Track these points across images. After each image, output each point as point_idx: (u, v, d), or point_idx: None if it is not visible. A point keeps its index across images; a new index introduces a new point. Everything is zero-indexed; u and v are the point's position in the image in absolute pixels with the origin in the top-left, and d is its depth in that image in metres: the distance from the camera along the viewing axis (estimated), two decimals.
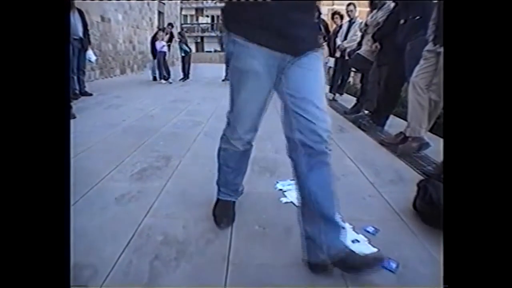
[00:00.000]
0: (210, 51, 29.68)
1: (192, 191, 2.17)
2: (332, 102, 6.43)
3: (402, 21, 3.69)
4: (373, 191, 2.25)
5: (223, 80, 9.88)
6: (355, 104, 5.30)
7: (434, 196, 1.82)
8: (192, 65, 10.28)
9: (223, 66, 10.36)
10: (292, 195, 2.11)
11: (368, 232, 1.77)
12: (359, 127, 4.24)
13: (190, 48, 10.40)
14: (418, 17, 3.46)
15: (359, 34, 5.67)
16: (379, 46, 4.34)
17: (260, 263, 1.49)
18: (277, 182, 2.31)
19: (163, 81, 9.25)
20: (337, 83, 6.82)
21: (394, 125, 4.14)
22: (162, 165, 2.60)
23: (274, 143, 3.29)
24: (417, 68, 3.10)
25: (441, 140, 3.23)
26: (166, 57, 9.46)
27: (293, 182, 2.29)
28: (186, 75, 10.15)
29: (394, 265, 1.51)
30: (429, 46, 2.99)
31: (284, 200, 2.06)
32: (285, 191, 2.17)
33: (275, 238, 1.68)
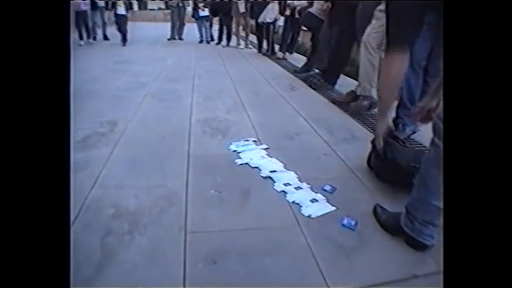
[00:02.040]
0: (154, 9, 28.02)
1: (141, 156, 2.03)
2: (282, 61, 6.35)
3: None
4: (328, 150, 2.24)
5: (168, 39, 9.46)
6: (306, 63, 5.25)
7: (388, 153, 1.82)
8: (135, 24, 9.52)
9: (168, 24, 9.88)
10: (247, 156, 2.05)
11: (325, 191, 1.76)
12: (310, 86, 4.21)
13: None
14: None
15: None
16: (330, 5, 4.25)
17: (218, 229, 1.43)
18: (231, 144, 2.22)
19: (81, 42, 8.16)
20: (286, 42, 6.71)
21: (344, 84, 4.15)
22: (107, 131, 2.41)
23: (224, 103, 3.20)
24: (368, 28, 3.07)
25: None
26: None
27: (246, 142, 2.24)
28: (124, 38, 8.54)
29: (353, 223, 1.52)
30: (382, 6, 2.94)
31: (239, 161, 1.99)
32: (239, 152, 2.10)
33: (232, 202, 1.62)
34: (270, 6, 6.69)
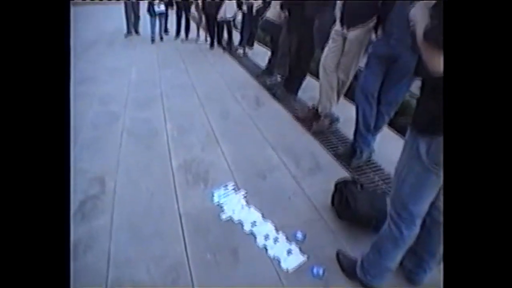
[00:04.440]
0: None
1: (139, 222, 2.26)
2: (243, 59, 6.56)
3: None
4: (296, 188, 2.61)
5: (125, 35, 9.11)
6: (267, 66, 5.48)
7: (350, 200, 2.20)
8: (85, 9, 8.62)
9: (120, 7, 9.13)
10: (230, 208, 2.38)
11: (298, 239, 2.13)
12: (274, 95, 4.51)
13: None
14: None
15: None
16: (287, 14, 4.43)
17: None
18: (213, 194, 2.53)
19: None
20: (246, 38, 6.88)
21: (307, 88, 4.51)
22: (98, 192, 2.57)
23: (199, 136, 3.45)
24: (325, 49, 3.36)
25: (351, 106, 3.63)
26: None
27: (226, 191, 2.56)
28: None
29: (321, 272, 1.92)
30: (337, 27, 3.20)
31: (224, 216, 2.32)
32: (222, 204, 2.42)
33: (226, 264, 1.96)
34: (228, 2, 6.75)
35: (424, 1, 1.24)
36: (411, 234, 1.57)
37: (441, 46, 1.04)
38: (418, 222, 1.55)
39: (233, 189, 2.59)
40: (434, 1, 1.19)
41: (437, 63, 1.11)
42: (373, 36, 2.91)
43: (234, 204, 2.41)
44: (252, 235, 2.16)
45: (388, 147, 3.02)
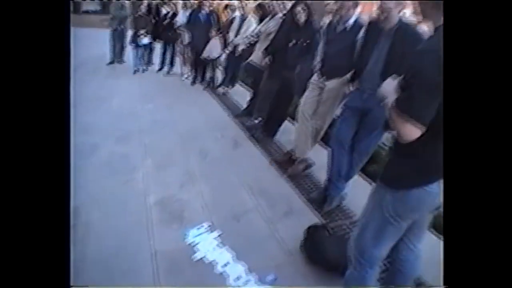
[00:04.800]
0: (88, 12, 25.70)
1: (112, 257, 2.27)
2: (222, 97, 6.72)
3: (293, 42, 4.02)
4: (269, 232, 2.68)
5: (108, 64, 9.15)
6: (247, 107, 5.63)
7: (320, 245, 2.30)
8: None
9: (107, 32, 9.07)
10: (203, 248, 2.43)
11: (269, 281, 2.19)
12: (252, 136, 4.64)
13: None
14: (307, 42, 3.86)
15: (251, 29, 5.92)
16: (271, 59, 4.58)
17: None
18: (187, 233, 2.58)
19: None
20: (228, 77, 7.07)
21: (286, 131, 4.65)
22: (72, 223, 2.46)
23: (176, 174, 3.49)
24: (304, 96, 3.55)
25: (324, 151, 3.79)
26: None
27: (200, 231, 2.60)
28: None
29: None
30: (315, 77, 3.42)
31: (197, 256, 2.36)
32: (196, 244, 2.47)
33: None
34: (213, 41, 6.97)
35: (393, 76, 1.41)
36: (374, 272, 1.70)
37: (409, 116, 1.21)
38: (379, 262, 1.69)
39: (208, 229, 2.64)
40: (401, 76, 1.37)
41: (406, 131, 1.26)
42: (349, 88, 3.10)
43: (208, 244, 2.46)
44: (224, 275, 2.21)
45: (357, 193, 3.13)
